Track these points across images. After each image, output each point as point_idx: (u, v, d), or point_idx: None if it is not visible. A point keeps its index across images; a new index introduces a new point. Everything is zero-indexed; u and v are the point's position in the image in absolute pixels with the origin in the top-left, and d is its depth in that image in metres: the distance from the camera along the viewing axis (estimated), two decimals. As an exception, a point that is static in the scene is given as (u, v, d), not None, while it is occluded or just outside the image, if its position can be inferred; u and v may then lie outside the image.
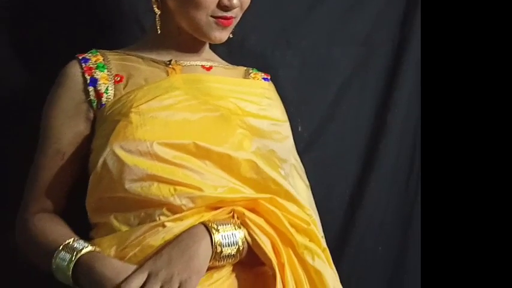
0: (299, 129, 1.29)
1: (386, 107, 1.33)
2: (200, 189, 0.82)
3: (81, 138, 0.92)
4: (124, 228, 0.84)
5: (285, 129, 0.99)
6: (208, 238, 0.81)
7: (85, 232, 0.91)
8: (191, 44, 0.98)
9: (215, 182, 0.85)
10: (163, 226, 0.82)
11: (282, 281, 0.83)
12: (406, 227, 1.38)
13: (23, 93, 1.08)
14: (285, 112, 1.04)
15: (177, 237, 0.81)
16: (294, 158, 0.99)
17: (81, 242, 0.84)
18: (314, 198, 1.06)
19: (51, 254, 0.83)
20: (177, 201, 0.82)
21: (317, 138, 1.32)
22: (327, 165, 1.33)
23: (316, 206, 1.05)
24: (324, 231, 1.00)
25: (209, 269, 0.82)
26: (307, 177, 1.06)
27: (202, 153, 0.85)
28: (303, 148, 1.17)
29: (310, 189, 1.03)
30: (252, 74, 1.06)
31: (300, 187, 0.98)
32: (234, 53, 1.17)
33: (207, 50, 1.03)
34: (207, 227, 0.81)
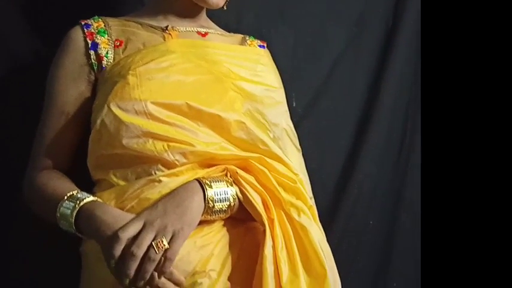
0: (293, 105, 1.34)
1: (379, 82, 1.37)
2: (192, 145, 0.87)
3: (83, 99, 0.98)
4: (122, 183, 0.89)
5: (278, 95, 1.03)
6: (202, 193, 0.85)
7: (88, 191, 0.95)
8: (188, 10, 1.03)
9: (207, 140, 0.89)
10: (159, 181, 0.87)
11: (272, 236, 0.88)
12: (396, 199, 1.43)
13: (31, 58, 1.14)
14: (279, 79, 1.08)
15: (173, 191, 0.86)
16: (285, 123, 1.03)
17: (84, 193, 0.89)
18: (306, 169, 1.11)
19: (56, 204, 0.88)
20: (170, 156, 0.87)
21: (310, 112, 1.36)
22: (320, 138, 1.38)
23: (309, 176, 1.10)
24: (316, 203, 1.04)
25: (201, 222, 0.87)
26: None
27: (194, 113, 0.89)
28: (296, 122, 1.21)
29: (301, 153, 1.07)
30: (248, 41, 1.10)
31: (290, 151, 1.02)
32: (231, 31, 1.21)
33: (204, 18, 1.08)
34: (201, 183, 0.86)
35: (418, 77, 1.40)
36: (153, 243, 0.80)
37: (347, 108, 1.39)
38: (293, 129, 1.06)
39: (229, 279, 0.88)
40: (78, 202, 0.86)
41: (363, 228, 1.39)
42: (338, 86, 1.38)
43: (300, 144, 1.11)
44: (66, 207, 0.86)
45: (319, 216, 0.97)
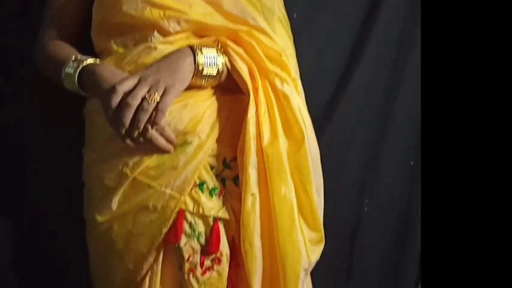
0: (294, 16, 1.41)
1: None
2: (186, 13, 0.95)
3: None
4: (121, 50, 0.97)
5: None
6: (193, 57, 0.94)
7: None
8: None
9: (200, 11, 0.97)
10: (155, 48, 0.95)
11: (255, 103, 0.96)
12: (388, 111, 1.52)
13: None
14: None
15: (166, 55, 0.94)
16: (279, 11, 1.09)
17: (88, 57, 0.98)
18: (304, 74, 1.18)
19: (62, 66, 0.98)
20: (165, 24, 0.95)
21: (310, 23, 1.43)
22: (318, 48, 1.45)
23: (306, 80, 1.16)
24: (312, 103, 1.11)
25: (192, 88, 0.96)
26: (297, 58, 1.17)
27: None
28: (295, 32, 1.29)
29: (292, 41, 1.13)
30: None
31: (280, 34, 1.07)
32: None
33: None
34: (193, 49, 0.95)
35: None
36: (146, 95, 0.89)
37: (345, 20, 1.46)
38: (286, 17, 1.13)
39: (217, 140, 0.98)
40: (81, 62, 0.96)
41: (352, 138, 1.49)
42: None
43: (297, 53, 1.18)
44: (70, 67, 0.96)
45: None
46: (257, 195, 0.96)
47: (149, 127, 0.90)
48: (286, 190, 0.96)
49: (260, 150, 0.95)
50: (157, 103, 0.89)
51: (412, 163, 1.69)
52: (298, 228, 0.97)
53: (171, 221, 0.96)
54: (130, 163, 0.96)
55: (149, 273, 0.99)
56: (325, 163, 1.07)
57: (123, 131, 0.89)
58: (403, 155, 1.67)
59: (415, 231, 1.72)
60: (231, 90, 0.99)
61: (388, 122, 1.58)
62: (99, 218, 0.99)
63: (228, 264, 0.99)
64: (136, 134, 0.90)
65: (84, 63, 0.95)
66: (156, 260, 0.98)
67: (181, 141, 0.95)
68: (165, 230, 0.97)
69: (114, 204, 0.97)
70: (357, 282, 1.59)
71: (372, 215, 1.63)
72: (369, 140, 1.57)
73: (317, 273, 1.21)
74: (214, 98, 0.98)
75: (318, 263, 1.11)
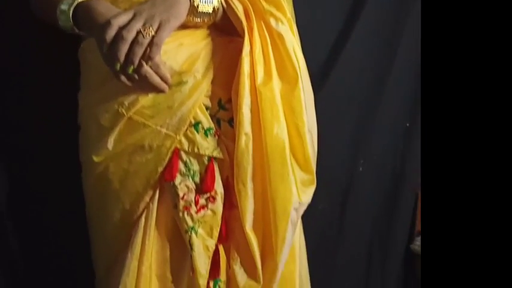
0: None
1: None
2: None
3: None
4: None
5: None
6: None
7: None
8: None
9: None
10: None
11: (250, 42, 0.97)
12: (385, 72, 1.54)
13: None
14: None
15: None
16: None
17: None
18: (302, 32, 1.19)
19: (56, 4, 0.97)
20: None
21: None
22: (317, 5, 1.45)
23: (304, 37, 1.16)
24: (309, 62, 1.11)
25: (187, 27, 0.96)
26: (296, 15, 1.17)
27: None
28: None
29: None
30: None
31: None
32: None
33: None
34: None
35: None
36: (141, 29, 0.89)
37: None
38: None
39: (212, 82, 0.99)
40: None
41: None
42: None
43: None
44: (65, 4, 0.95)
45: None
46: (250, 134, 0.97)
47: (144, 63, 0.91)
48: (278, 129, 0.97)
49: (254, 89, 0.96)
50: (152, 37, 0.89)
51: (408, 125, 1.71)
52: (290, 168, 0.99)
53: (166, 160, 0.98)
54: (126, 103, 0.97)
55: (145, 212, 1.01)
56: (322, 121, 1.08)
57: (118, 66, 0.89)
58: (399, 117, 1.69)
59: (407, 193, 1.75)
60: (226, 32, 1.00)
61: (385, 83, 1.59)
62: (96, 159, 1.01)
63: (222, 203, 1.01)
64: (131, 69, 0.90)
65: (79, 0, 0.96)
66: (151, 199, 1.00)
67: (177, 81, 0.96)
68: (160, 169, 0.98)
69: (110, 144, 0.99)
70: (348, 234, 1.62)
71: (366, 175, 1.66)
72: (365, 100, 1.59)
73: (309, 226, 1.24)
74: (209, 38, 0.99)
75: (310, 215, 1.13)
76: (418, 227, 1.79)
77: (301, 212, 1.04)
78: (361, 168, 1.66)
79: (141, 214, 1.01)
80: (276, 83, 0.98)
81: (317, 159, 1.07)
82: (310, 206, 1.26)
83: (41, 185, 1.25)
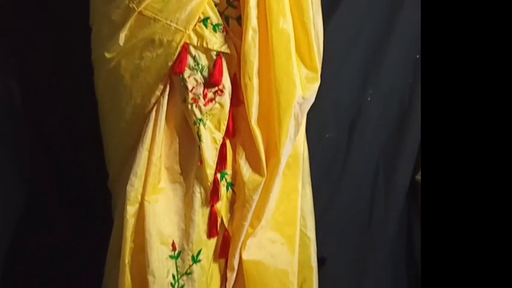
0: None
1: None
2: None
3: None
4: None
5: None
6: None
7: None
8: None
9: None
10: None
11: None
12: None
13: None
14: None
15: None
16: None
17: None
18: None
19: None
20: None
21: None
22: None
23: None
24: None
25: None
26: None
27: None
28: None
29: None
30: None
31: None
32: None
33: None
34: None
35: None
36: None
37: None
38: None
39: None
40: None
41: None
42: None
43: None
44: None
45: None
46: (257, 29, 1.00)
47: None
48: (284, 23, 1.00)
49: (261, -17, 0.99)
50: None
51: (418, 56, 1.72)
52: (294, 62, 1.02)
53: (176, 54, 1.02)
54: None
55: (155, 106, 1.05)
56: (332, 49, 1.09)
57: None
58: (410, 48, 1.69)
59: (414, 124, 1.75)
60: None
61: (397, 13, 1.59)
62: (107, 55, 1.04)
63: (229, 98, 1.04)
64: None
65: None
66: (162, 93, 1.04)
67: None
68: (170, 63, 1.02)
69: (121, 40, 1.02)
70: (354, 163, 1.65)
71: (374, 105, 1.67)
72: (376, 31, 1.59)
73: (316, 154, 1.27)
74: None
75: (317, 143, 1.14)
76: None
77: (305, 109, 1.07)
78: (369, 98, 1.67)
79: (152, 108, 1.05)
80: None
81: (324, 87, 1.09)
82: (317, 134, 1.30)
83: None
